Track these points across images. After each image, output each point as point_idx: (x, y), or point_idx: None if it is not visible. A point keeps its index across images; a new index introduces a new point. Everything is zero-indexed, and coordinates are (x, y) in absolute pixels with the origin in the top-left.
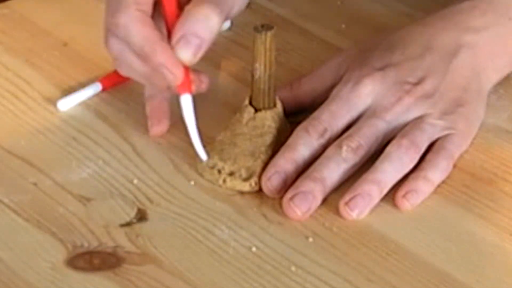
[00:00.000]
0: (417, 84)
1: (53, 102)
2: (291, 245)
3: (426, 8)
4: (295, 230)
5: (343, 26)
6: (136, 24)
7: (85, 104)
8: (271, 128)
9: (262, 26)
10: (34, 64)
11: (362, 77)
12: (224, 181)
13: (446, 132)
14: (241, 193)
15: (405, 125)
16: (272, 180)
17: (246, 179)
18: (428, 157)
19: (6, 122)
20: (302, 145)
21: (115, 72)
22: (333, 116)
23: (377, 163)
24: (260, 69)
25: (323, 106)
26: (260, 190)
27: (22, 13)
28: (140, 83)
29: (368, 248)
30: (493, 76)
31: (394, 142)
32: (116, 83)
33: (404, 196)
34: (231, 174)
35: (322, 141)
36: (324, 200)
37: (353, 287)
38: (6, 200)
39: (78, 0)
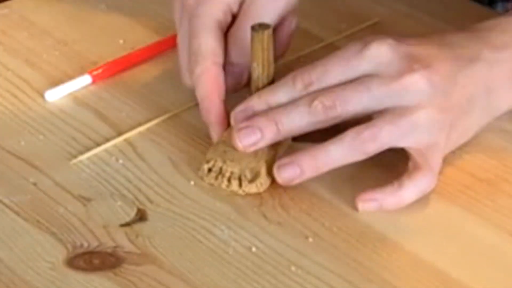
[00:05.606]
0: (426, 67)
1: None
2: (291, 245)
3: (426, 8)
4: (295, 230)
5: (343, 26)
6: (205, 79)
7: (85, 104)
8: None
9: (259, 25)
10: (34, 64)
11: (372, 41)
12: (229, 182)
13: (426, 137)
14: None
15: (393, 108)
16: (236, 115)
17: (251, 181)
18: (407, 173)
19: (6, 122)
20: (282, 91)
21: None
22: (325, 72)
23: (328, 142)
24: (258, 69)
25: (321, 60)
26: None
27: (22, 13)
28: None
29: (368, 248)
30: (508, 96)
31: (357, 128)
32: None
33: (364, 202)
34: (235, 176)
35: (304, 93)
36: (324, 200)
37: (353, 287)
38: (6, 200)
39: (78, 0)
